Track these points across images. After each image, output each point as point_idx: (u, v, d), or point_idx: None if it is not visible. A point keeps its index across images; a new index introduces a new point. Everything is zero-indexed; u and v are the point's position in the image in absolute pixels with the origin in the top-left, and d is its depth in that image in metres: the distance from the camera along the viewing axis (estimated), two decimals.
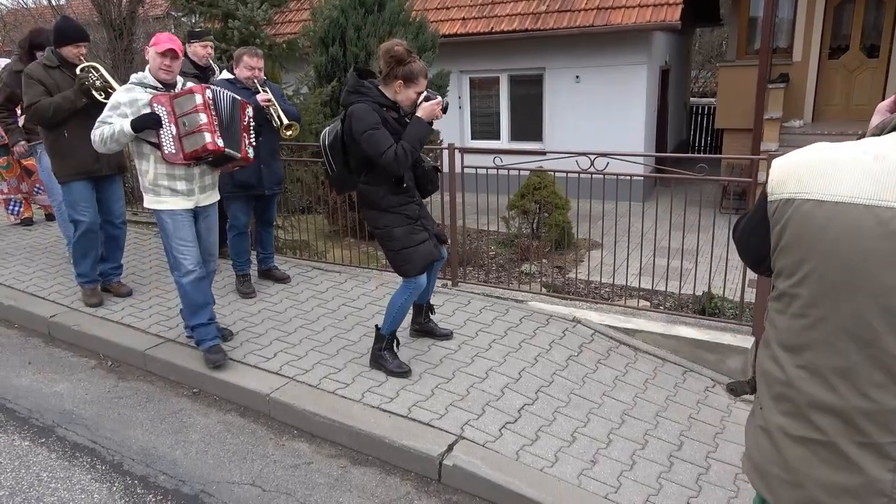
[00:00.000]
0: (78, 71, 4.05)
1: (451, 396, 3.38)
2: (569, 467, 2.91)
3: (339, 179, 3.39)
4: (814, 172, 1.15)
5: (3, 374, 3.94)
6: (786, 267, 1.19)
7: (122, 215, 4.61)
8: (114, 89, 4.01)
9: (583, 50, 10.39)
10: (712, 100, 15.14)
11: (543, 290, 5.72)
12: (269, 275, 4.95)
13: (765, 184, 1.28)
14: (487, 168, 4.74)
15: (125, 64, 11.20)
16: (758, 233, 1.30)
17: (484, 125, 11.83)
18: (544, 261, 7.44)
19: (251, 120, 3.75)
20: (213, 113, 3.40)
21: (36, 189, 6.42)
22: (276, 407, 3.42)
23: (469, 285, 5.04)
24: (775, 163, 1.25)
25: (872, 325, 1.06)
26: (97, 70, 4.06)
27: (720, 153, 12.07)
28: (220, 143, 3.39)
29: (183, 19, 6.79)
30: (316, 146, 6.11)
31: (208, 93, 3.41)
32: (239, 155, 3.55)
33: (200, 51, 4.72)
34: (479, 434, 3.08)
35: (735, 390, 1.53)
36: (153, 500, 2.81)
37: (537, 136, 11.18)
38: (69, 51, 4.10)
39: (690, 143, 15.42)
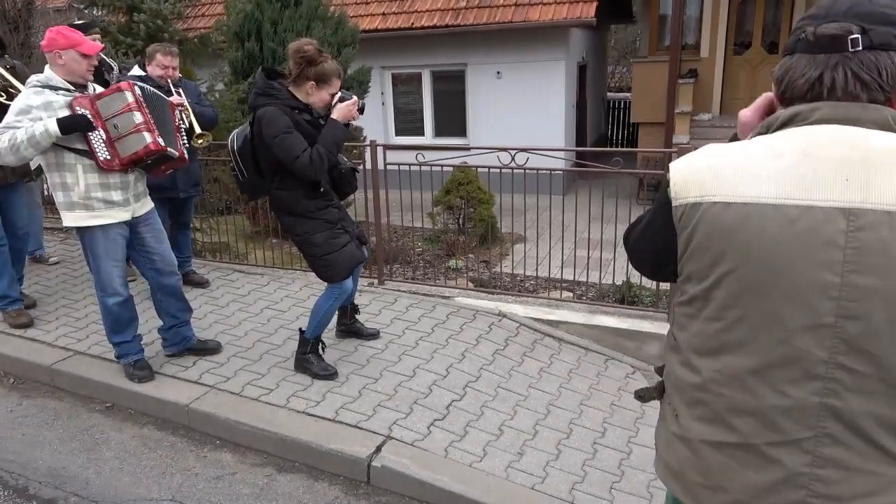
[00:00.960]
0: None
1: (378, 397, 3.35)
2: (497, 461, 2.95)
3: (251, 185, 3.27)
4: (717, 174, 1.15)
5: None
6: (697, 271, 1.18)
7: (25, 226, 4.26)
8: (15, 88, 3.71)
9: (503, 46, 10.52)
10: (629, 94, 15.68)
11: (470, 284, 5.76)
12: (188, 279, 4.74)
13: (663, 189, 1.27)
14: (411, 165, 4.73)
15: (23, 60, 10.50)
16: (659, 239, 1.26)
17: (407, 121, 11.81)
18: (471, 255, 7.51)
19: (181, 118, 3.58)
20: (147, 110, 3.16)
21: None
22: (196, 417, 3.29)
23: (395, 283, 5.02)
24: (674, 167, 1.23)
25: (786, 322, 1.08)
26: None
27: (637, 146, 12.51)
28: (162, 142, 3.15)
29: (85, 11, 6.38)
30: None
31: (137, 89, 3.16)
32: (177, 154, 3.34)
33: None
34: (408, 433, 3.07)
35: (643, 396, 1.50)
36: None
37: (461, 131, 11.25)
38: None
39: (609, 136, 15.91)
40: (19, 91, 3.45)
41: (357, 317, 3.98)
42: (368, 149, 4.79)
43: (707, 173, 1.16)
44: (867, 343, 1.05)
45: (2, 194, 4.10)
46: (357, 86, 8.34)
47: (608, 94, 16.89)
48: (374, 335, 3.97)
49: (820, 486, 1.11)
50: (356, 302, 3.98)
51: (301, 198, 3.18)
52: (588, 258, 5.18)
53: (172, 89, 4.08)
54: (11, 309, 4.19)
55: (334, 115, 3.10)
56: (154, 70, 4.13)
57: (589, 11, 9.67)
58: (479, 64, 10.85)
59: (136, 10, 5.68)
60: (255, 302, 4.54)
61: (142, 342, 3.63)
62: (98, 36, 4.59)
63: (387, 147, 4.80)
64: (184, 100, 4.07)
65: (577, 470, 2.94)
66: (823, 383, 1.08)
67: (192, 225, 5.02)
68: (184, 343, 3.72)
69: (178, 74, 4.28)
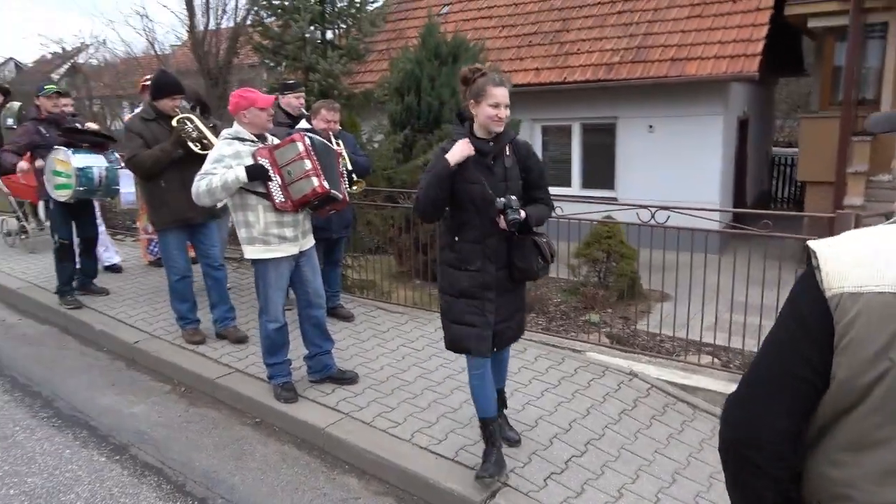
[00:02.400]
0: (174, 122, 4.34)
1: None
2: None
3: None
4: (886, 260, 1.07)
5: (90, 394, 4.28)
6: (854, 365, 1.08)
7: (218, 258, 4.76)
8: (208, 140, 4.33)
9: (656, 100, 10.38)
10: (797, 150, 14.67)
11: (605, 339, 5.67)
12: (335, 313, 5.14)
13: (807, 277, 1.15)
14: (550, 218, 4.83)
15: (219, 110, 12.09)
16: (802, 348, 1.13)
17: (556, 172, 11.92)
18: (609, 310, 7.36)
19: (345, 166, 3.98)
20: (315, 158, 3.58)
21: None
22: (330, 441, 3.55)
23: (528, 332, 5.07)
24: (823, 251, 1.13)
25: None
26: (192, 121, 4.37)
27: (803, 204, 11.62)
28: (326, 184, 3.56)
29: (272, 68, 7.28)
30: (388, 191, 6.40)
31: (307, 140, 3.61)
32: (340, 196, 3.74)
33: (294, 101, 5.01)
34: (524, 483, 3.10)
35: None
36: None
37: (609, 184, 11.14)
38: (165, 104, 4.40)
39: (773, 193, 14.92)
40: (212, 144, 4.03)
41: (504, 411, 3.46)
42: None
43: (866, 258, 1.08)
44: None
45: (197, 232, 4.65)
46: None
47: (775, 149, 15.91)
48: (511, 441, 3.38)
49: None
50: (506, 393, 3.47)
51: (444, 243, 3.02)
52: (744, 323, 4.84)
53: (333, 141, 4.54)
54: (189, 327, 4.79)
55: (448, 155, 2.77)
56: (318, 123, 4.62)
57: (751, 66, 9.29)
58: (631, 117, 10.76)
59: (312, 70, 6.40)
60: (393, 339, 4.82)
61: (290, 366, 4.00)
62: (302, 94, 5.19)
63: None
64: (342, 150, 4.52)
65: None
66: None
67: (342, 262, 5.45)
68: (325, 371, 4.05)
69: (338, 127, 4.74)
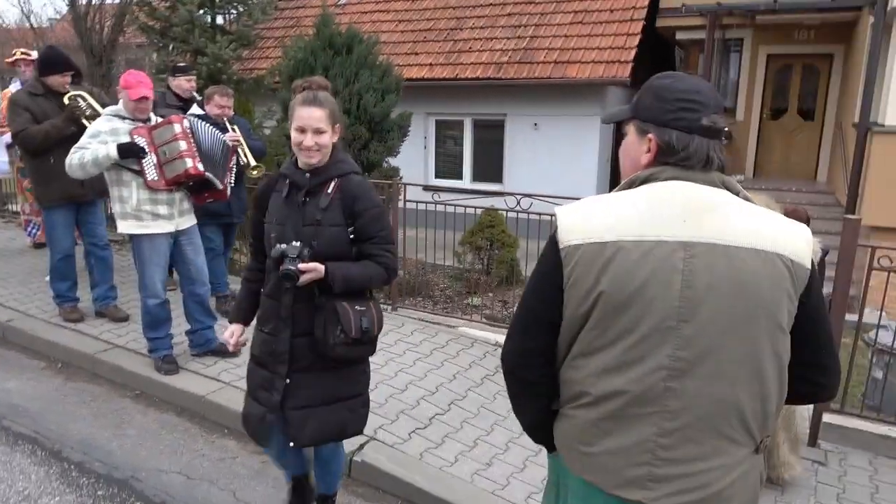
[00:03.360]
0: (66, 99, 4.32)
1: (372, 405, 3.73)
2: (465, 468, 3.28)
3: None
4: (597, 217, 1.46)
5: None
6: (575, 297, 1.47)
7: (104, 237, 4.77)
8: (97, 115, 4.33)
9: (541, 99, 11.05)
10: None
11: (484, 319, 6.12)
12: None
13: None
14: (427, 203, 5.20)
15: (103, 89, 11.60)
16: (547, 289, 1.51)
17: (447, 165, 12.39)
18: (490, 294, 7.88)
19: (235, 162, 4.10)
20: (193, 141, 3.72)
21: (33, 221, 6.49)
22: (210, 408, 3.74)
23: (407, 311, 5.43)
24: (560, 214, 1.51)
25: (640, 327, 1.40)
26: (85, 99, 4.36)
27: None
28: (201, 167, 3.70)
29: (161, 48, 7.19)
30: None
31: (186, 122, 3.74)
32: (218, 182, 3.87)
33: (185, 84, 5.03)
34: (390, 436, 3.44)
35: None
36: (86, 482, 3.11)
37: (497, 177, 11.74)
38: (55, 79, 4.37)
39: None
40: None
41: None
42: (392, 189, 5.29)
43: (590, 216, 1.47)
44: (702, 337, 1.38)
45: (83, 210, 4.65)
46: (396, 130, 8.94)
47: None
48: None
49: (667, 448, 1.42)
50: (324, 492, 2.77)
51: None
52: None
53: (228, 126, 4.67)
54: (67, 305, 4.76)
55: None
56: (212, 109, 4.71)
57: (624, 72, 10.12)
58: (518, 115, 11.39)
59: (201, 53, 6.42)
60: None
61: (172, 340, 4.13)
62: (193, 78, 5.20)
63: (426, 187, 5.28)
64: (238, 136, 4.65)
65: (538, 483, 3.24)
66: (670, 369, 1.40)
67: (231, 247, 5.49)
68: (207, 345, 4.20)
69: (231, 113, 4.85)
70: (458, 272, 8.42)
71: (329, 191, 2.29)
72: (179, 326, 4.33)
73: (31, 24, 13.90)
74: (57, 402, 3.87)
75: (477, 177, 12.08)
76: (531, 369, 1.57)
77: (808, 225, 3.49)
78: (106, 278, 4.78)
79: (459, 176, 12.22)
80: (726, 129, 1.49)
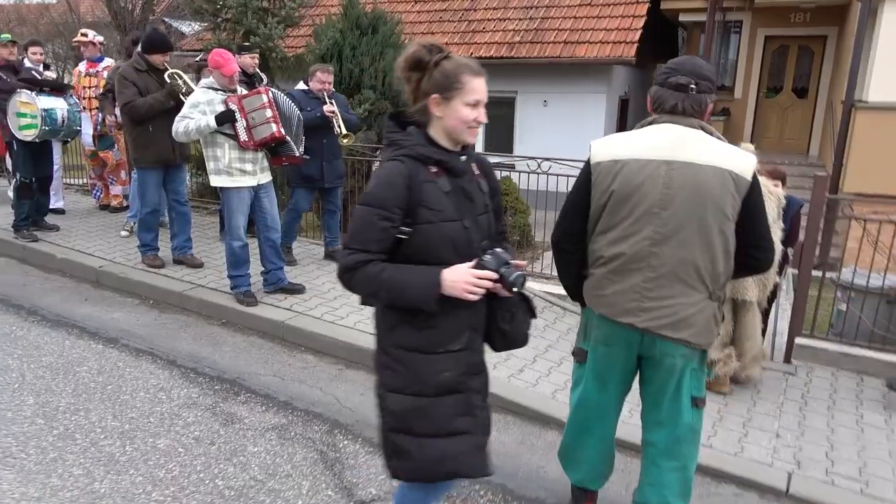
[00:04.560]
0: (167, 77, 5.05)
1: None
2: (503, 373, 4.08)
3: None
4: (614, 145, 2.33)
5: (67, 306, 4.99)
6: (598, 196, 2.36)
7: (185, 195, 5.53)
8: (190, 89, 5.02)
9: (551, 78, 11.73)
10: None
11: None
12: (332, 256, 5.83)
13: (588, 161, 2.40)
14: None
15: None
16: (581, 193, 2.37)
17: None
18: None
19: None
20: (276, 109, 4.43)
21: (110, 179, 7.23)
22: (288, 331, 4.53)
23: None
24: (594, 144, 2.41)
25: (635, 212, 2.22)
26: (181, 77, 5.08)
27: None
28: (283, 130, 4.40)
29: (210, 33, 7.87)
30: (369, 147, 7.13)
31: (270, 93, 4.44)
32: (296, 149, 4.57)
33: (249, 61, 5.67)
34: None
35: (576, 355, 2.61)
36: (203, 380, 3.91)
37: (508, 150, 12.45)
38: (157, 58, 5.09)
39: None
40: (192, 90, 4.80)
41: None
42: None
43: (607, 145, 2.34)
44: (674, 219, 2.18)
45: (171, 172, 5.39)
46: None
47: None
48: None
49: (651, 289, 2.25)
50: None
51: (397, 321, 1.96)
52: None
53: (327, 99, 5.34)
54: (150, 254, 5.53)
55: (447, 276, 1.84)
56: (314, 84, 5.36)
57: (630, 52, 10.80)
58: (529, 92, 12.07)
59: (252, 33, 7.11)
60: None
61: (250, 279, 4.90)
62: (257, 55, 5.87)
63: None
64: (335, 108, 5.34)
65: (560, 383, 4.03)
66: (652, 240, 2.23)
67: (339, 210, 5.92)
68: (278, 283, 4.97)
69: (331, 88, 5.43)
70: None
71: (476, 171, 2.03)
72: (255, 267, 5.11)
73: (69, 3, 14.45)
74: (159, 328, 4.66)
75: (489, 149, 12.77)
76: (570, 244, 2.45)
77: (784, 182, 4.32)
78: (185, 230, 5.55)
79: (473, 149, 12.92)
80: (692, 86, 2.25)
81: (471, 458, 1.96)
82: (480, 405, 2.02)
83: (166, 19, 17.15)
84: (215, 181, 4.54)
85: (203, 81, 4.56)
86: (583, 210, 2.38)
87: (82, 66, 6.86)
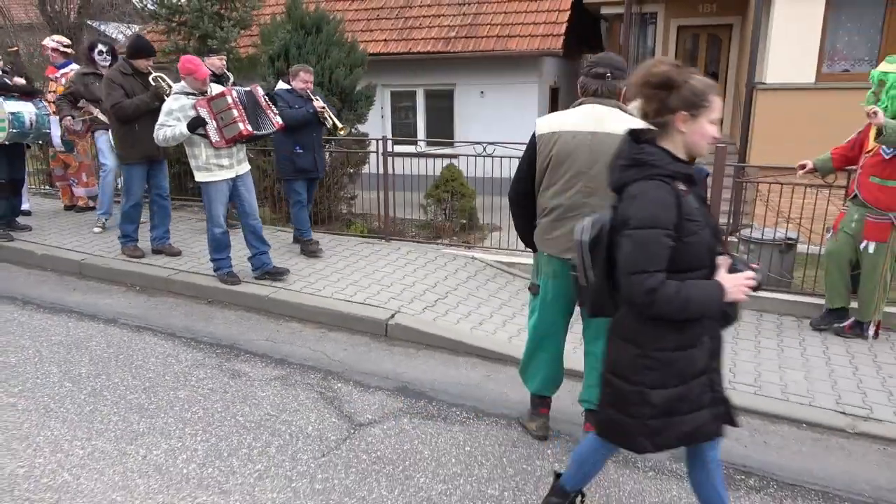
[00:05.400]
0: (151, 80, 5.46)
1: (391, 294, 5.16)
2: (465, 326, 4.76)
3: (595, 295, 2.33)
4: (552, 122, 3.04)
5: (58, 295, 5.37)
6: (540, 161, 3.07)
7: (167, 189, 5.95)
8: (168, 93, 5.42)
9: (486, 70, 12.47)
10: None
11: (457, 241, 7.58)
12: (301, 242, 6.22)
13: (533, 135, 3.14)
14: (411, 155, 6.56)
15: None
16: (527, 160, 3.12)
17: (403, 132, 13.69)
18: (454, 238, 9.33)
19: (265, 98, 5.13)
20: (241, 107, 4.93)
21: (72, 181, 7.49)
22: (273, 303, 5.08)
23: (397, 242, 6.84)
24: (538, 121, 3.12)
25: (570, 173, 2.94)
26: (164, 80, 5.49)
27: None
28: (250, 128, 4.87)
29: (166, 37, 8.19)
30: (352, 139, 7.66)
31: (234, 93, 4.92)
32: (270, 130, 5.06)
33: (217, 62, 6.13)
34: (409, 312, 4.88)
35: (531, 289, 3.31)
36: (204, 346, 4.43)
37: (449, 139, 13.13)
38: (141, 63, 5.49)
39: None
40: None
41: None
42: (376, 145, 6.62)
43: (547, 122, 3.05)
44: (598, 177, 2.90)
45: (154, 167, 5.79)
46: (364, 100, 10.19)
47: None
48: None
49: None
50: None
51: (656, 335, 2.15)
52: None
53: (312, 97, 5.80)
54: (130, 245, 5.93)
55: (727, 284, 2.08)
56: (297, 84, 5.77)
57: (556, 44, 11.65)
58: (466, 84, 12.78)
59: (210, 36, 7.51)
60: (332, 256, 6.33)
61: (231, 262, 5.40)
62: (224, 56, 6.33)
63: (388, 154, 6.60)
64: (323, 104, 5.82)
65: (515, 332, 4.74)
66: (583, 192, 2.94)
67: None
68: (263, 267, 5.44)
69: (311, 86, 5.87)
70: (425, 222, 9.83)
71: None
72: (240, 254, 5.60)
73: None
74: (151, 309, 5.12)
75: (430, 145, 13.43)
76: (521, 199, 3.17)
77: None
78: (164, 223, 5.98)
79: (414, 142, 13.54)
80: (608, 75, 2.98)
81: (712, 425, 2.25)
82: (718, 381, 2.27)
83: (90, 22, 17.00)
84: (197, 177, 5.01)
85: (176, 86, 4.99)
86: (530, 173, 3.09)
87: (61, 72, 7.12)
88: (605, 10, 13.47)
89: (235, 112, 4.87)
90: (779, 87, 9.30)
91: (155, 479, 2.98)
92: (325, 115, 5.88)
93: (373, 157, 7.55)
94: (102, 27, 17.09)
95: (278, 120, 5.20)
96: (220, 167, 5.02)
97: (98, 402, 3.65)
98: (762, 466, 3.27)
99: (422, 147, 6.42)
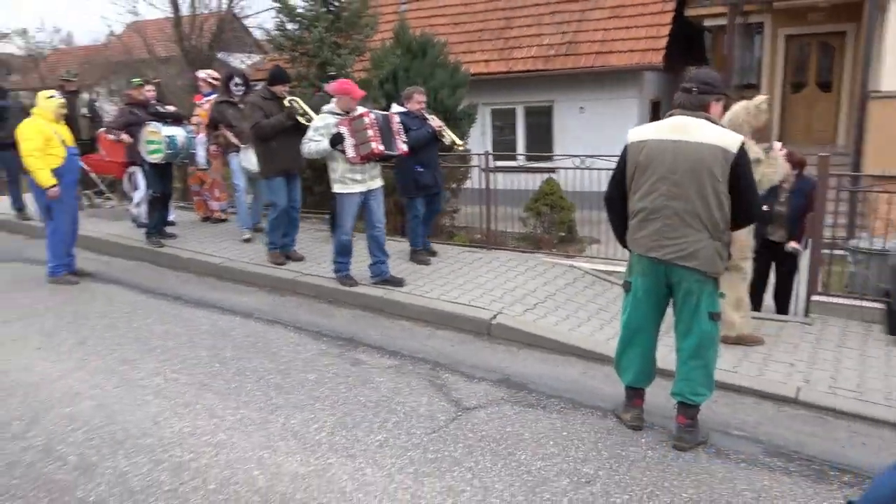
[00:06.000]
0: (287, 102, 6.18)
1: (493, 298, 5.53)
2: (564, 327, 5.04)
3: None
4: (641, 132, 3.32)
5: (202, 293, 6.14)
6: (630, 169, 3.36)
7: (299, 202, 6.60)
8: (309, 115, 6.10)
9: (585, 86, 12.67)
10: None
11: (556, 251, 7.85)
12: (427, 251, 6.75)
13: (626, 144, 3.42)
14: (511, 170, 6.92)
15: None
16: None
17: (503, 149, 14.10)
18: (553, 251, 9.58)
19: (399, 125, 5.68)
20: (377, 128, 5.43)
21: (206, 196, 8.49)
22: (387, 304, 5.58)
23: (497, 251, 7.20)
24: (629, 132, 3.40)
25: (655, 177, 3.21)
26: (298, 102, 6.22)
27: None
28: (381, 147, 5.38)
29: (291, 65, 9.06)
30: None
31: (372, 115, 5.42)
32: (395, 152, 5.57)
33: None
34: (510, 312, 5.22)
35: (625, 286, 3.59)
36: (327, 339, 4.98)
37: (548, 160, 13.39)
38: (279, 88, 6.23)
39: None
40: (312, 117, 5.90)
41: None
42: (478, 160, 7.03)
43: (637, 131, 3.34)
44: (679, 182, 3.15)
45: (291, 181, 6.45)
46: (466, 118, 10.67)
47: None
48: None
49: (667, 231, 3.21)
50: None
51: None
52: None
53: (426, 116, 6.31)
54: (276, 251, 6.58)
55: None
56: (412, 105, 6.28)
57: (657, 58, 11.70)
58: (565, 100, 13.03)
59: (329, 63, 8.29)
60: (438, 263, 6.84)
61: (350, 267, 5.93)
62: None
63: (489, 169, 6.97)
64: (441, 122, 6.31)
65: (611, 334, 4.95)
66: (666, 196, 3.20)
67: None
68: (382, 275, 5.92)
69: (425, 106, 6.35)
70: (524, 235, 10.15)
71: None
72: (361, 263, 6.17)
73: (150, 49, 15.91)
74: (280, 306, 5.77)
75: (530, 159, 13.76)
76: (614, 203, 3.48)
77: (803, 167, 5.35)
78: (292, 232, 6.67)
79: (514, 158, 13.91)
80: (694, 89, 3.23)
81: None
82: None
83: (219, 54, 18.71)
84: (334, 188, 5.59)
85: (325, 107, 5.60)
86: (622, 178, 3.39)
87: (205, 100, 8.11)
88: (708, 22, 13.35)
89: (371, 132, 5.34)
90: (894, 95, 8.92)
91: (293, 443, 3.48)
92: (444, 132, 6.31)
93: (474, 172, 8.00)
94: (229, 58, 18.74)
95: (403, 147, 5.66)
96: (354, 181, 5.54)
97: (242, 379, 4.24)
98: (857, 465, 3.34)
99: (521, 161, 6.74)
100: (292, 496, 3.02)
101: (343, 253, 5.83)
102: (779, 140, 13.08)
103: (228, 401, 3.95)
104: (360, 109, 5.55)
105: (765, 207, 4.96)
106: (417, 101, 6.29)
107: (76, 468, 3.26)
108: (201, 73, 8.03)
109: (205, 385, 4.16)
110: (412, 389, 4.13)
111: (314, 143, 5.42)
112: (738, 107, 4.64)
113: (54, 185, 6.00)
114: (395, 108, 6.38)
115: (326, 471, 3.23)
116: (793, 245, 5.63)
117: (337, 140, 5.36)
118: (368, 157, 5.43)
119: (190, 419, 3.73)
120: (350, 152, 5.39)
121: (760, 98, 4.67)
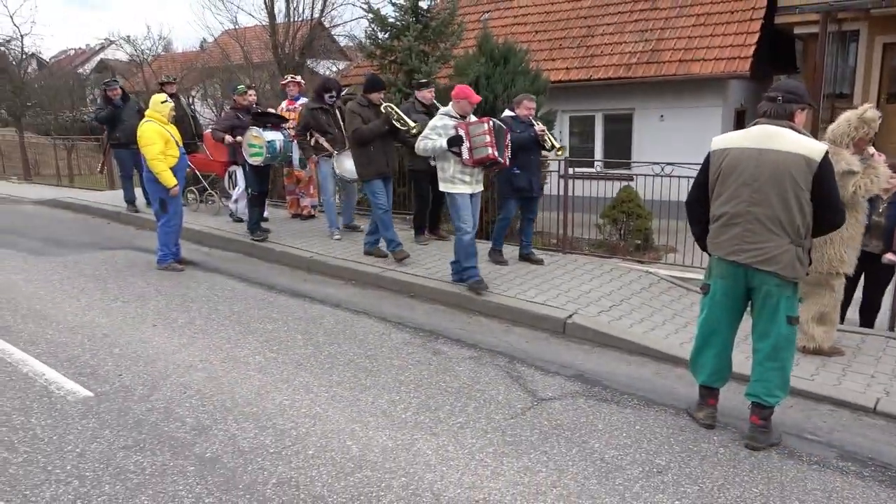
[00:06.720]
0: (382, 108, 6.57)
1: (568, 299, 5.70)
2: (638, 329, 5.15)
3: None
4: (725, 139, 3.45)
5: (293, 283, 6.59)
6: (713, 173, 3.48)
7: (389, 205, 6.81)
8: (404, 120, 6.47)
9: (667, 94, 12.57)
10: None
11: (630, 258, 7.91)
12: (527, 258, 6.92)
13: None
14: (588, 177, 7.05)
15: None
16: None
17: (580, 156, 14.14)
18: (629, 258, 9.60)
19: (550, 139, 6.01)
20: (493, 135, 5.66)
21: (301, 193, 9.04)
22: (465, 300, 5.85)
23: (574, 255, 7.35)
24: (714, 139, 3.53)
25: (737, 184, 3.33)
26: (393, 108, 6.60)
27: None
28: (496, 153, 5.63)
29: (380, 72, 9.53)
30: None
31: (490, 122, 5.67)
32: (504, 162, 5.80)
33: (427, 95, 7.12)
34: (586, 314, 5.38)
35: (702, 288, 3.69)
36: (410, 329, 5.30)
37: (626, 167, 13.35)
38: (374, 96, 6.63)
39: None
40: (407, 124, 6.31)
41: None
42: (557, 166, 7.20)
43: (724, 139, 3.48)
44: (762, 188, 3.26)
45: (385, 183, 6.76)
46: (546, 125, 10.84)
47: None
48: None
49: (748, 236, 3.32)
50: None
51: None
52: None
53: (534, 122, 6.53)
54: (398, 249, 6.83)
55: None
56: (521, 111, 6.53)
57: (744, 66, 11.48)
58: (645, 108, 12.97)
59: (416, 71, 8.68)
60: (515, 264, 7.09)
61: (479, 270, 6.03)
62: (433, 89, 7.28)
63: (567, 176, 7.11)
64: (544, 128, 6.55)
65: (686, 338, 5.04)
66: (748, 202, 3.32)
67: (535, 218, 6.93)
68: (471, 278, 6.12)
69: (534, 112, 6.58)
70: (600, 241, 10.21)
71: None
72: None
73: (244, 52, 16.94)
74: (365, 298, 6.14)
75: (608, 166, 13.75)
76: (696, 207, 3.61)
77: None
78: (377, 232, 7.01)
79: (591, 165, 13.94)
80: (779, 98, 3.33)
81: None
82: None
83: (309, 61, 19.62)
84: (442, 187, 5.86)
85: (442, 109, 5.93)
86: (704, 182, 3.52)
87: (284, 104, 8.67)
88: (798, 31, 12.97)
89: (487, 138, 5.59)
90: None
91: (381, 419, 3.79)
92: (546, 137, 6.49)
93: (552, 178, 8.17)
94: (317, 65, 19.61)
95: (507, 160, 5.87)
96: (462, 182, 5.78)
97: (334, 362, 4.60)
98: None
99: (599, 168, 6.88)
100: (382, 465, 3.32)
101: (468, 256, 5.84)
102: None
103: (322, 379, 4.31)
104: (472, 117, 5.80)
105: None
106: (527, 107, 6.50)
107: (193, 429, 3.68)
108: (288, 78, 8.56)
109: (300, 365, 4.55)
110: (490, 379, 4.37)
111: (430, 140, 5.68)
112: (842, 118, 4.61)
113: (176, 185, 6.63)
114: (507, 112, 6.60)
115: (412, 445, 3.51)
116: (889, 257, 5.52)
117: (455, 141, 5.61)
118: (481, 162, 5.66)
119: (289, 393, 4.11)
120: (465, 154, 5.64)
121: (865, 107, 4.57)
